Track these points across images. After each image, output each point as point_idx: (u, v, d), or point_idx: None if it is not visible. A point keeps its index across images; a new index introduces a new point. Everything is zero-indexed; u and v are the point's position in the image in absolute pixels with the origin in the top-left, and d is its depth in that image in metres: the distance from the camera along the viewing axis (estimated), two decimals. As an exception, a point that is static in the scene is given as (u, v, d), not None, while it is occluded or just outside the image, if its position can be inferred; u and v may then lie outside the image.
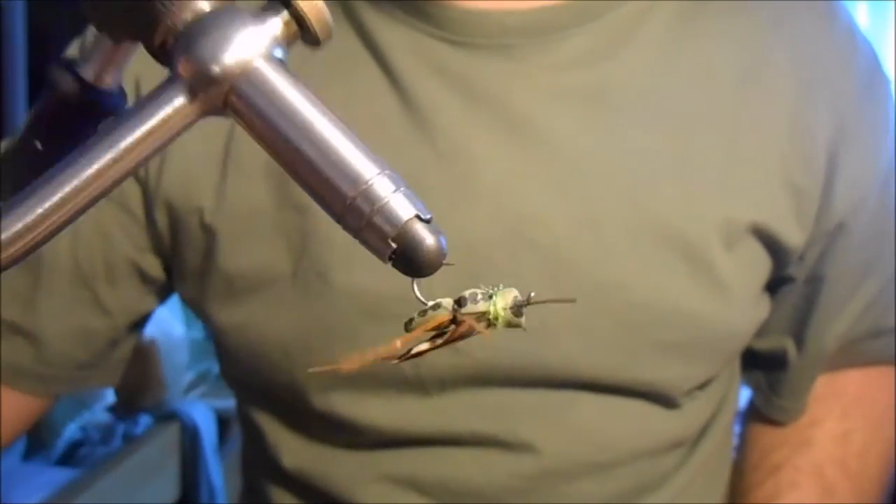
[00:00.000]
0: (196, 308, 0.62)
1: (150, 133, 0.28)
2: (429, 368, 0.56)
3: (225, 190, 0.57)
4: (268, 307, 0.58)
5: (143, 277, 0.62)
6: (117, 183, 0.29)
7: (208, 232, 0.58)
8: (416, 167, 0.55)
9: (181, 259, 0.60)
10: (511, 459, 0.59)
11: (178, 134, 0.29)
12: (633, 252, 0.55)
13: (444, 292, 0.32)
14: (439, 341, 0.32)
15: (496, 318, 0.32)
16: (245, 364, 0.61)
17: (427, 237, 0.28)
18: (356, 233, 0.28)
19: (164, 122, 0.28)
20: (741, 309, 0.59)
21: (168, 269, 0.62)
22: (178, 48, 0.28)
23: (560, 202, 0.55)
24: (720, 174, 0.57)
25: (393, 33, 0.57)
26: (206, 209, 0.58)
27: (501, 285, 0.32)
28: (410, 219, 0.28)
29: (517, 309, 0.32)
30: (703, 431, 0.65)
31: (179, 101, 0.28)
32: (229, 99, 0.28)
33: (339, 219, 0.28)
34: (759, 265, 0.60)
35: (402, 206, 0.28)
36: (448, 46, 0.56)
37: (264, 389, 0.63)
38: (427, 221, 0.28)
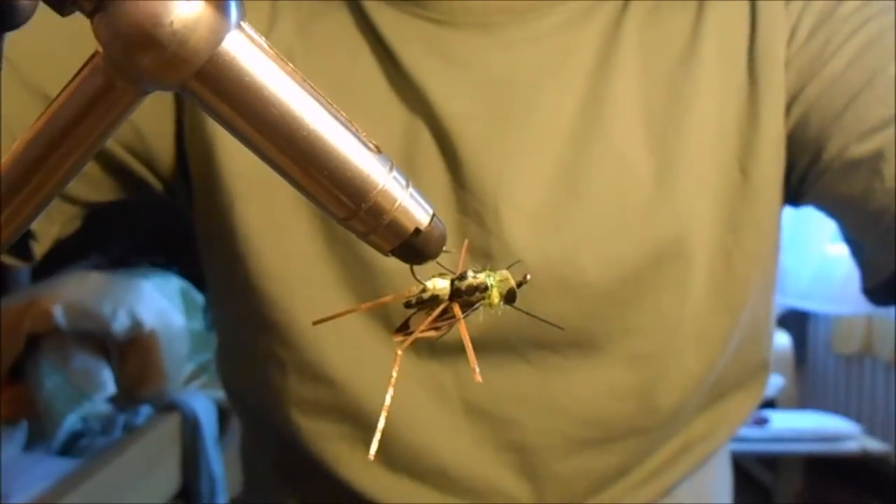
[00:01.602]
0: (212, 272, 0.62)
1: (79, 127, 0.25)
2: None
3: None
4: (284, 265, 0.58)
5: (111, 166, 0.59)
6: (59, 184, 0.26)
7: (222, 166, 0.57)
8: (408, 133, 0.56)
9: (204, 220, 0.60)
10: (498, 433, 0.59)
11: (122, 119, 0.25)
12: (615, 199, 0.56)
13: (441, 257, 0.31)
14: (440, 325, 0.32)
15: (491, 306, 0.32)
16: (252, 311, 0.59)
17: (433, 236, 0.27)
18: (360, 235, 0.27)
19: (98, 115, 0.25)
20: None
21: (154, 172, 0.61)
22: (100, 17, 0.24)
23: (537, 162, 0.56)
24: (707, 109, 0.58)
25: (383, 15, 0.59)
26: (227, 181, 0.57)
27: (489, 270, 0.32)
28: (417, 227, 0.27)
29: (511, 299, 0.32)
30: None
31: (108, 91, 0.24)
32: (189, 85, 0.24)
33: (343, 223, 0.27)
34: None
35: (410, 215, 0.27)
36: (432, 24, 0.58)
37: (256, 352, 0.61)
38: (431, 217, 0.27)
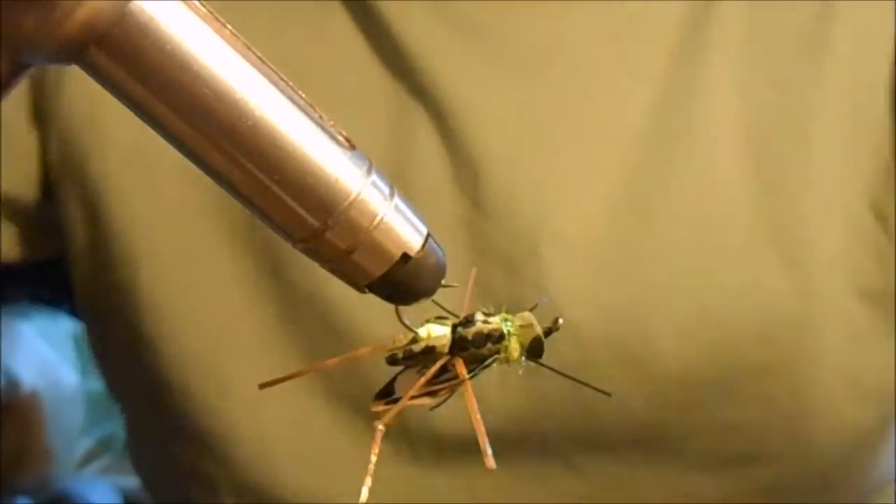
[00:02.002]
0: (94, 319, 0.58)
1: None
2: (421, 426, 0.50)
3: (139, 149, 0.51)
4: (194, 313, 0.52)
5: None
6: None
7: (101, 181, 0.53)
8: (400, 133, 0.51)
9: (69, 217, 0.55)
10: None
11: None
12: (700, 239, 0.50)
13: (446, 303, 0.29)
14: (431, 389, 0.29)
15: (507, 359, 0.28)
16: (164, 408, 0.54)
17: (427, 265, 0.24)
18: (327, 264, 0.25)
19: None
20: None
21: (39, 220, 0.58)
22: None
23: (593, 180, 0.50)
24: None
25: None
26: (110, 146, 0.53)
27: (506, 312, 0.29)
28: (405, 253, 0.24)
29: (536, 354, 0.28)
30: None
31: None
32: (89, 55, 0.21)
33: (302, 246, 0.24)
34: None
35: (396, 236, 0.24)
36: None
37: (188, 459, 0.55)
38: (425, 240, 0.24)
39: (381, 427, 0.28)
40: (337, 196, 0.23)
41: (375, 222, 0.23)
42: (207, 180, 0.50)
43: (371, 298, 0.26)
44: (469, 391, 0.28)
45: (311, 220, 0.23)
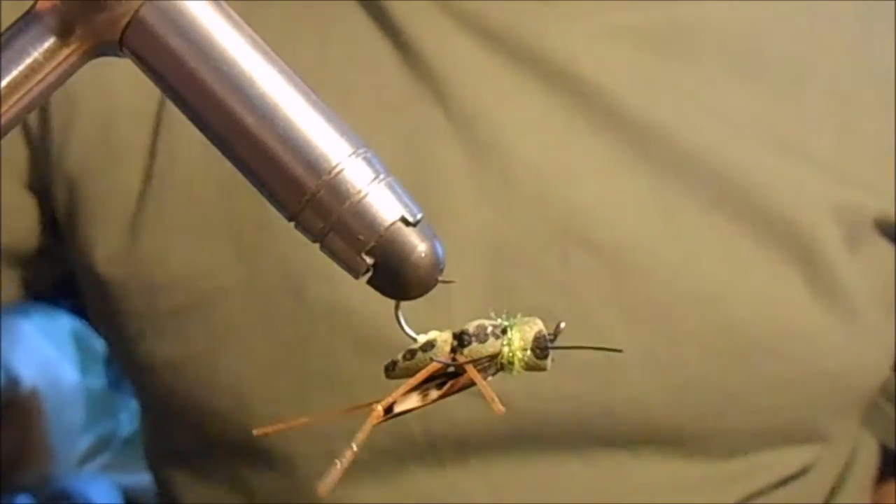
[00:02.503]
0: (109, 335, 0.58)
1: (11, 89, 0.24)
2: (444, 426, 0.50)
3: (154, 163, 0.51)
4: (211, 335, 0.51)
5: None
6: None
7: (127, 224, 0.52)
8: (418, 139, 0.50)
9: (86, 258, 0.54)
10: None
11: (54, 87, 0.25)
12: (726, 252, 0.50)
13: (467, 315, 0.29)
14: (433, 394, 0.28)
15: (511, 362, 0.27)
16: (182, 422, 0.55)
17: (416, 245, 0.25)
18: (318, 238, 0.25)
19: (29, 73, 0.24)
20: (872, 332, 0.52)
21: (50, 257, 0.58)
22: None
23: (621, 185, 0.50)
24: (837, 148, 0.51)
25: None
26: (126, 190, 0.52)
27: (520, 315, 0.28)
28: (394, 222, 0.25)
29: (541, 350, 0.27)
30: None
31: (48, 41, 0.24)
32: (127, 36, 0.24)
33: (294, 218, 0.25)
34: (890, 273, 0.53)
35: (382, 203, 0.25)
36: None
37: (207, 463, 0.56)
38: (415, 224, 0.25)
39: (379, 410, 0.28)
40: (330, 156, 0.24)
41: (368, 186, 0.25)
42: (219, 207, 0.48)
43: (392, 310, 0.27)
44: (475, 374, 0.28)
45: (304, 180, 0.24)
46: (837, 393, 0.54)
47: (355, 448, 0.26)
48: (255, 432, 0.31)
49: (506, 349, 0.28)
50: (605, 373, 0.50)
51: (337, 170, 0.24)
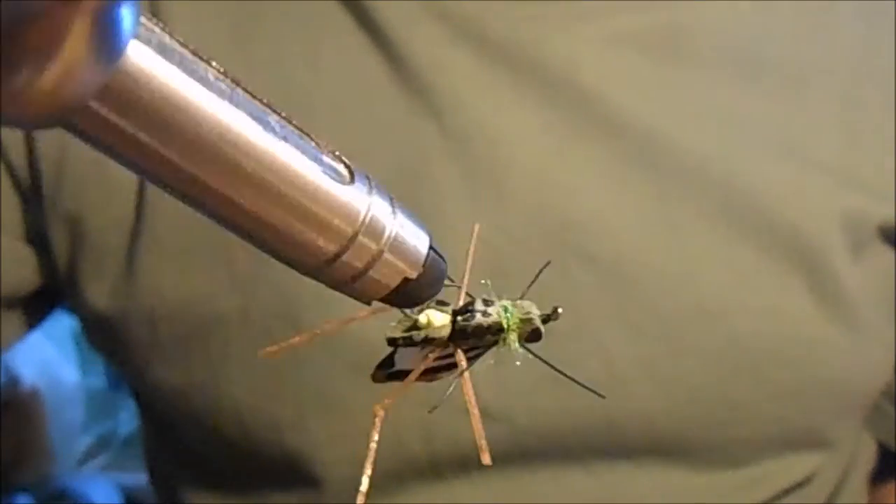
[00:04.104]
0: (115, 365, 0.58)
1: None
2: (447, 443, 0.49)
3: (145, 195, 0.50)
4: (212, 362, 0.50)
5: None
6: None
7: (123, 257, 0.52)
8: (411, 155, 0.48)
9: (85, 294, 0.54)
10: None
11: None
12: (730, 263, 0.49)
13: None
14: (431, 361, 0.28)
15: (512, 329, 0.27)
16: (189, 444, 0.55)
17: (433, 272, 0.25)
18: (339, 287, 0.24)
19: None
20: (875, 338, 0.52)
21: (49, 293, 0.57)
22: None
23: (622, 196, 0.48)
24: (841, 153, 0.50)
25: None
26: (120, 225, 0.52)
27: (514, 301, 0.28)
28: (429, 250, 0.24)
29: (533, 334, 0.28)
30: None
31: None
32: (77, 122, 0.19)
33: (312, 276, 0.24)
34: (891, 278, 0.52)
35: (405, 246, 0.24)
36: None
37: (211, 478, 0.56)
38: (431, 248, 0.25)
39: (381, 413, 0.27)
40: (346, 222, 0.23)
41: (386, 239, 0.24)
42: (211, 235, 0.45)
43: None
44: (468, 384, 0.28)
45: (327, 247, 0.23)
46: (842, 400, 0.53)
47: (381, 413, 0.27)
48: (260, 354, 0.30)
49: (502, 346, 0.28)
50: (607, 387, 0.48)
51: (356, 235, 0.23)
